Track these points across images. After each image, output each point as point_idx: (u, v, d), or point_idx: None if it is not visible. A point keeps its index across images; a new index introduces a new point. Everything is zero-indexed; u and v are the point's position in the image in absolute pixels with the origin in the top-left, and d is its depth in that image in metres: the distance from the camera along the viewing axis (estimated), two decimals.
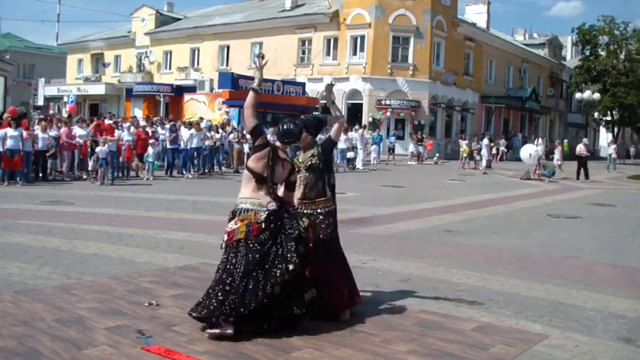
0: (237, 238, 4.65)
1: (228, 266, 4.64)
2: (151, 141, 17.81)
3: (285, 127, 5.04)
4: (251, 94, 4.94)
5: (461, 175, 23.73)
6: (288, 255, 4.63)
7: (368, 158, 26.69)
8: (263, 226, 4.65)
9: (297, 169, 5.07)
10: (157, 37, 44.79)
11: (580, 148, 24.25)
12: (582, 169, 23.34)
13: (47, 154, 15.93)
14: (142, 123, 21.37)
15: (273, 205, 4.73)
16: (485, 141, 28.92)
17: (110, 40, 48.62)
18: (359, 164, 25.17)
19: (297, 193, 5.15)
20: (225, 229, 4.74)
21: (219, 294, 4.54)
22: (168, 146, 19.11)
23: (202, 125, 20.81)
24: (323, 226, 5.12)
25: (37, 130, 15.77)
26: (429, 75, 35.21)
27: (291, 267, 4.60)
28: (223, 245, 4.73)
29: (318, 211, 5.15)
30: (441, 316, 5.32)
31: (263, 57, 5.20)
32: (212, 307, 4.51)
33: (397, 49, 35.18)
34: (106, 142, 15.61)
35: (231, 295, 4.51)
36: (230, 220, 4.76)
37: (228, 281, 4.56)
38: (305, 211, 5.13)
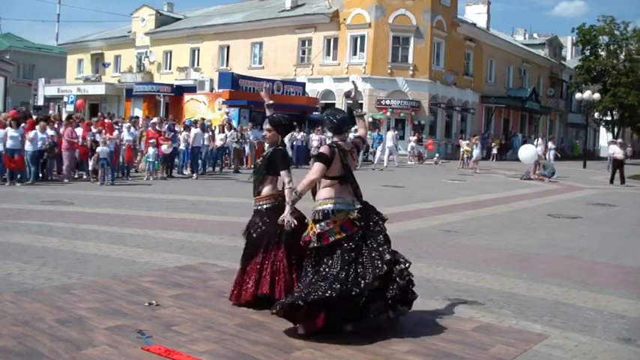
0: (334, 239, 4.67)
1: (322, 268, 4.66)
2: (164, 145, 17.82)
3: (336, 118, 4.96)
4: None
5: (461, 175, 23.72)
6: (380, 248, 4.70)
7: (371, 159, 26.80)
8: (357, 224, 4.71)
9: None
10: (157, 37, 44.76)
11: (614, 149, 22.42)
12: (618, 173, 21.54)
13: (44, 156, 15.85)
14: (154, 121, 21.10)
15: (357, 203, 4.81)
16: (551, 144, 26.73)
17: (110, 40, 48.57)
18: (387, 163, 25.93)
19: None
20: (314, 231, 4.73)
21: (318, 291, 4.50)
22: None
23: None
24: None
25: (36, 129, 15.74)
26: (429, 75, 35.18)
27: (387, 257, 4.67)
28: (315, 244, 4.71)
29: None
30: (441, 316, 5.33)
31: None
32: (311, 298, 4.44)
33: (397, 49, 35.14)
34: (106, 142, 15.60)
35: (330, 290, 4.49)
36: (317, 222, 4.74)
37: (324, 282, 4.56)
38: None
